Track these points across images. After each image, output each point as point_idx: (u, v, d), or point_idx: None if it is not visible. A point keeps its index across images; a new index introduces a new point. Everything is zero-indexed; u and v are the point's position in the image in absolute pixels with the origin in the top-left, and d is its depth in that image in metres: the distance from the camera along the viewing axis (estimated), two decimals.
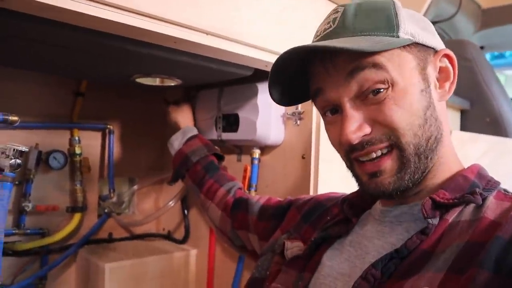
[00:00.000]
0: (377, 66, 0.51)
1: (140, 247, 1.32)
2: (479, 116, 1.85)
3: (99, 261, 1.13)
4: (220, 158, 1.08)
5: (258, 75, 0.98)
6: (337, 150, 0.59)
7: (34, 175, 1.14)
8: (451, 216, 0.51)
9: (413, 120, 0.52)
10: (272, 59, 0.87)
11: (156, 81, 1.09)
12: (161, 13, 0.68)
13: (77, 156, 1.21)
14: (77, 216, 1.22)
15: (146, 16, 0.67)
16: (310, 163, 0.97)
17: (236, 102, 1.09)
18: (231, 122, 1.12)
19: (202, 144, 1.07)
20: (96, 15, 0.62)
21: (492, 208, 0.49)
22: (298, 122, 1.00)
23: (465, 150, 1.27)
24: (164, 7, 0.69)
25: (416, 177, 0.53)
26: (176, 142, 1.10)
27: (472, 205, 0.51)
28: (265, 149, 1.09)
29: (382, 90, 0.51)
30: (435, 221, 0.50)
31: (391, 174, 0.52)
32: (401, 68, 0.52)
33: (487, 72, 1.96)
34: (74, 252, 1.22)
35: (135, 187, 1.38)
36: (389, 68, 0.51)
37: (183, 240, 1.33)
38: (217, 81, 1.12)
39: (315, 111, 0.97)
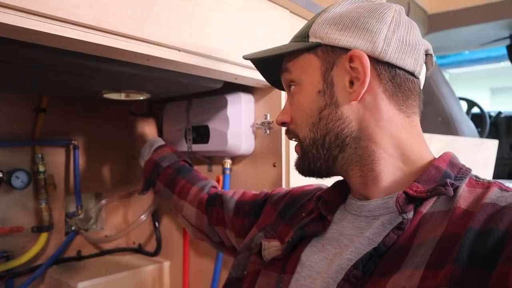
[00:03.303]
0: (287, 70, 0.62)
1: (112, 263, 1.29)
2: (431, 116, 1.96)
3: (71, 280, 1.10)
4: (190, 165, 1.09)
5: (227, 86, 1.00)
6: None
7: None
8: (425, 208, 0.52)
9: (307, 118, 0.59)
10: (241, 71, 0.90)
11: (122, 96, 1.08)
12: (134, 32, 0.69)
13: (41, 174, 1.18)
14: (43, 236, 1.19)
15: (119, 35, 0.67)
16: (281, 171, 0.99)
17: (205, 113, 1.10)
18: (201, 134, 1.13)
19: (172, 151, 1.09)
20: (71, 37, 0.61)
21: (464, 196, 0.50)
22: (268, 131, 1.03)
23: None
24: (137, 26, 0.69)
25: (319, 164, 0.60)
26: (145, 153, 1.11)
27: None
28: (236, 158, 1.11)
29: (291, 88, 0.62)
30: (410, 215, 0.51)
31: (298, 157, 0.63)
32: (303, 71, 0.60)
33: (436, 74, 2.08)
34: (42, 273, 1.18)
35: (103, 202, 1.36)
36: (293, 72, 0.61)
37: (155, 253, 1.32)
38: (186, 94, 1.13)
39: None
